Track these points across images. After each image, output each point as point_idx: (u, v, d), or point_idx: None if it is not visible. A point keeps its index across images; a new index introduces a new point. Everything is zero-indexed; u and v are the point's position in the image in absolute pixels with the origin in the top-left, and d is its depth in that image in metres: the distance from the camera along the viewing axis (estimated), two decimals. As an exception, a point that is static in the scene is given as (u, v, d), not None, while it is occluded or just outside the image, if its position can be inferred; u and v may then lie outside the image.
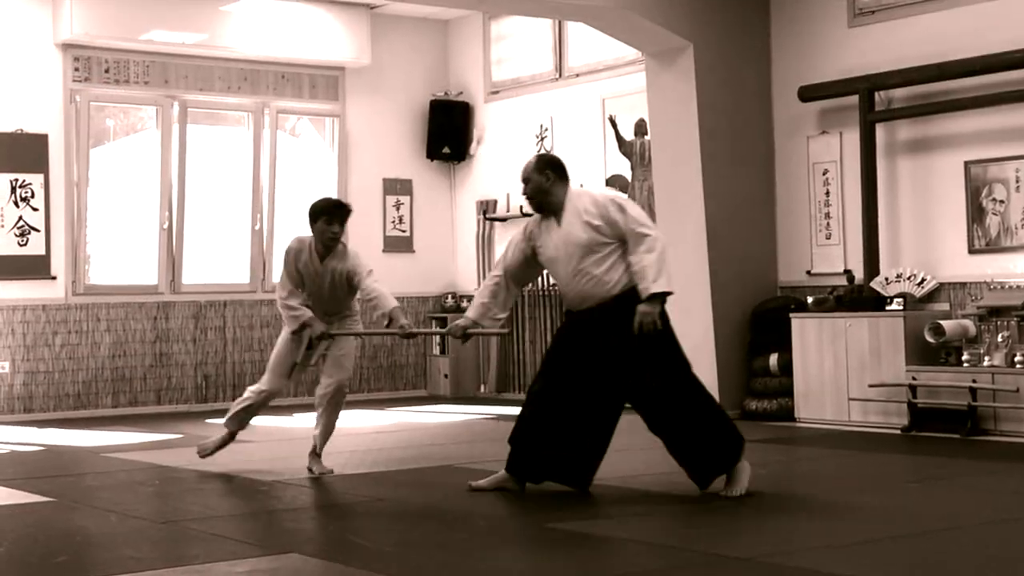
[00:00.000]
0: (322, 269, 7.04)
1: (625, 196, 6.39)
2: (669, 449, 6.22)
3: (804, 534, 5.46)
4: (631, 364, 6.09)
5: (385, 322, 7.09)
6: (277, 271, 11.92)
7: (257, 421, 10.39)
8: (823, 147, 9.90)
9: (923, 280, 9.10)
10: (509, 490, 6.31)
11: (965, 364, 8.58)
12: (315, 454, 7.14)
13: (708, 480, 6.16)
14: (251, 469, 7.36)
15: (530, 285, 11.83)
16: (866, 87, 9.41)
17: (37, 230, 10.78)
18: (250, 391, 7.33)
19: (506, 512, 5.92)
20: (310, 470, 7.07)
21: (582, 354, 6.19)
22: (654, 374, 6.09)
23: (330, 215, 7.03)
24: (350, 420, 10.43)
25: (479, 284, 12.34)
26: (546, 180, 6.24)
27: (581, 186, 6.80)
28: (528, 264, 6.40)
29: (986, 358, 8.50)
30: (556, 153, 10.46)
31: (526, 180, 6.29)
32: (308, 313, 7.05)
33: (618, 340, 6.09)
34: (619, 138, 11.01)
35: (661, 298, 6.06)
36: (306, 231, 7.07)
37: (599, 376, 6.17)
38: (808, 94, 9.80)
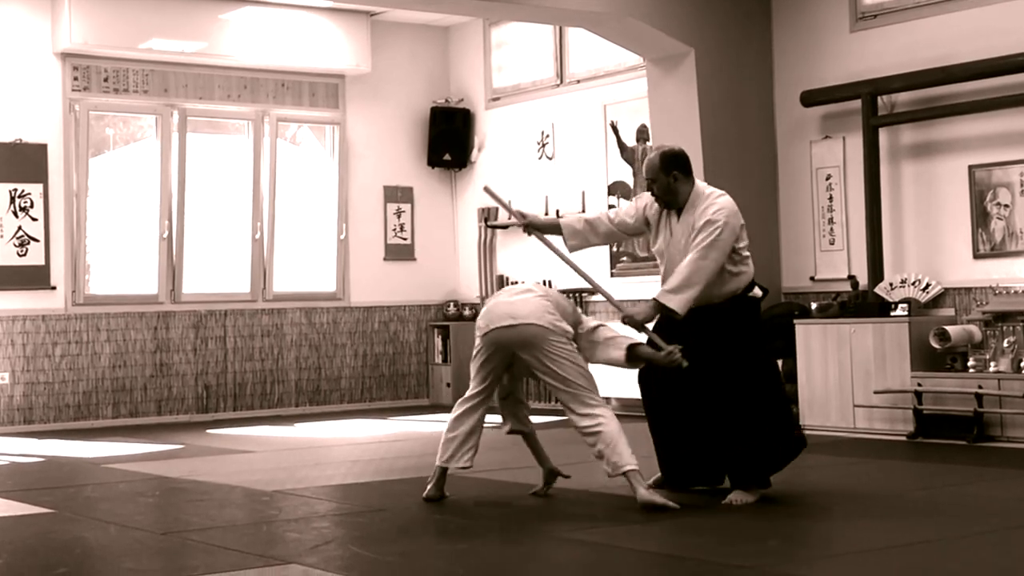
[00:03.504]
0: None
1: (723, 214, 6.15)
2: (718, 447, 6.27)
3: (809, 542, 5.41)
4: (716, 363, 6.12)
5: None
6: (278, 280, 11.98)
7: (258, 431, 10.41)
8: (826, 152, 9.86)
9: (928, 285, 9.05)
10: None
11: (971, 370, 8.53)
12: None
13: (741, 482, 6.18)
14: (252, 479, 7.32)
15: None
16: (869, 91, 9.37)
17: (36, 240, 10.74)
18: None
19: (509, 521, 5.88)
20: None
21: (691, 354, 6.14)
22: (726, 375, 6.12)
23: None
24: (352, 429, 10.40)
25: (480, 292, 12.33)
26: (673, 180, 6.20)
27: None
28: (628, 232, 6.53)
29: (992, 364, 8.45)
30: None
31: (652, 180, 6.24)
32: None
33: (717, 340, 6.12)
34: (621, 144, 10.98)
35: (661, 308, 6.02)
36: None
37: (700, 374, 6.15)
38: (811, 99, 9.77)
